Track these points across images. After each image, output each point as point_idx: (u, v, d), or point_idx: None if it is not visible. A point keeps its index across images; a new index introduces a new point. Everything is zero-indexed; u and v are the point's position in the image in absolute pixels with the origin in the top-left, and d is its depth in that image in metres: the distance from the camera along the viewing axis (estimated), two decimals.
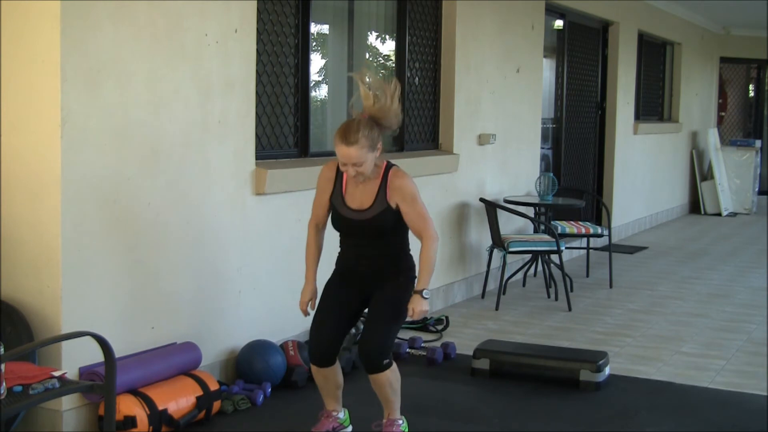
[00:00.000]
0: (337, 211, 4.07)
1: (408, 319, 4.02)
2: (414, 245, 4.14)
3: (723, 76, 15.83)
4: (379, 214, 3.98)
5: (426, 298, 3.95)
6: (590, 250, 8.57)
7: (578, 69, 9.86)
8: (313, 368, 4.11)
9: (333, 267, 4.22)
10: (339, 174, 4.07)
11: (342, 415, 4.27)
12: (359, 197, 4.02)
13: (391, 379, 4.02)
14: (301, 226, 5.37)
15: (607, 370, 5.15)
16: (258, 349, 4.87)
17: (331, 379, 4.13)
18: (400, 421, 4.15)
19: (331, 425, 4.21)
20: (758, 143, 14.40)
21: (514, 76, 8.00)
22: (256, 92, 5.08)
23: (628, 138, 11.05)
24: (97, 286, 4.13)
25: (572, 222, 8.13)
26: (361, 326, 5.35)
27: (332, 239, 4.23)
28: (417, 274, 4.06)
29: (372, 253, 4.07)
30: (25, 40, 3.95)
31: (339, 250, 4.20)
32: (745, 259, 9.77)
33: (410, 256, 4.13)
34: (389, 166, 4.04)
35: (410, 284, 4.07)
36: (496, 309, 6.99)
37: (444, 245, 6.77)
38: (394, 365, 4.05)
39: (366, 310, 4.18)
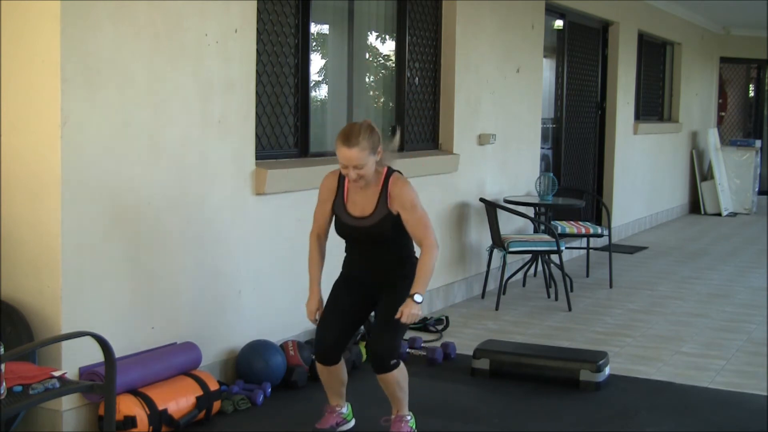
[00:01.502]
0: (339, 218, 4.11)
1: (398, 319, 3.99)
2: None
3: (723, 76, 15.82)
4: (381, 221, 4.02)
5: (418, 303, 3.91)
6: (590, 250, 8.56)
7: (578, 69, 9.85)
8: (318, 365, 4.18)
9: (337, 272, 4.24)
10: (341, 182, 4.12)
11: (345, 409, 4.35)
12: (360, 204, 4.06)
13: (398, 377, 4.08)
14: (301, 225, 5.37)
15: (607, 370, 5.15)
16: (258, 349, 4.87)
17: (335, 376, 4.21)
18: (408, 417, 4.21)
19: (335, 420, 4.29)
20: (758, 143, 14.39)
21: (514, 76, 8.00)
22: (256, 92, 5.08)
23: (628, 138, 11.04)
24: (97, 286, 4.13)
25: (572, 222, 8.13)
26: (363, 328, 5.37)
27: (338, 244, 4.24)
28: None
29: (376, 259, 4.12)
30: (25, 40, 3.95)
31: (344, 254, 4.25)
32: (745, 259, 9.77)
33: (415, 259, 4.14)
34: (390, 172, 4.07)
35: None
36: (496, 309, 6.99)
37: (444, 245, 6.76)
38: (402, 365, 4.10)
39: (372, 313, 4.22)
